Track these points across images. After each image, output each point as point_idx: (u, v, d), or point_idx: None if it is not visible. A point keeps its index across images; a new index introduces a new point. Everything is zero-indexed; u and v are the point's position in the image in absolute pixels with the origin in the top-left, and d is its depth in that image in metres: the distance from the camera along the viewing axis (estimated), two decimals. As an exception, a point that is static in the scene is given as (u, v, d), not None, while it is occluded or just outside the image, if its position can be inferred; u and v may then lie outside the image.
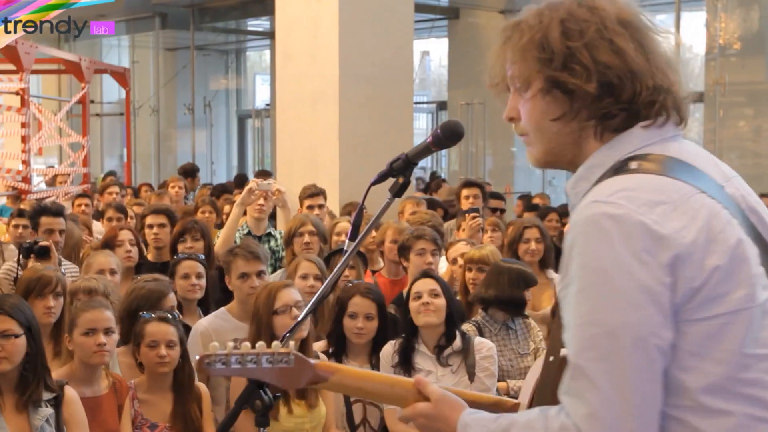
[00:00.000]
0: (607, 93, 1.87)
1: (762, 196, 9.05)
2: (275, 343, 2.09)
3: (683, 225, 1.73)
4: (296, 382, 2.06)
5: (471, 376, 4.62)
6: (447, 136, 2.42)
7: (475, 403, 2.07)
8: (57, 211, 6.60)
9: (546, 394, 1.94)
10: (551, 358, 1.98)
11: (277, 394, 2.66)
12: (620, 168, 1.85)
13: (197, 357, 2.06)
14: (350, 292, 4.81)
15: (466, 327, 5.05)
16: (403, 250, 5.78)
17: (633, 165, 1.84)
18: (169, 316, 4.34)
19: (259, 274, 5.04)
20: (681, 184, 1.79)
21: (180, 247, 6.24)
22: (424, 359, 4.68)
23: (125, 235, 6.19)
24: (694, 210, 1.76)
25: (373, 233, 6.53)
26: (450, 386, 2.22)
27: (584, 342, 1.73)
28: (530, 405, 2.01)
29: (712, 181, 1.85)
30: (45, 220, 6.49)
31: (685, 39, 14.02)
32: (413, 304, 4.70)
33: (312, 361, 2.05)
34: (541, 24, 1.93)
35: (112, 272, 5.46)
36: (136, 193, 11.83)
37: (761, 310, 1.77)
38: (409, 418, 2.06)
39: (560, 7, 1.93)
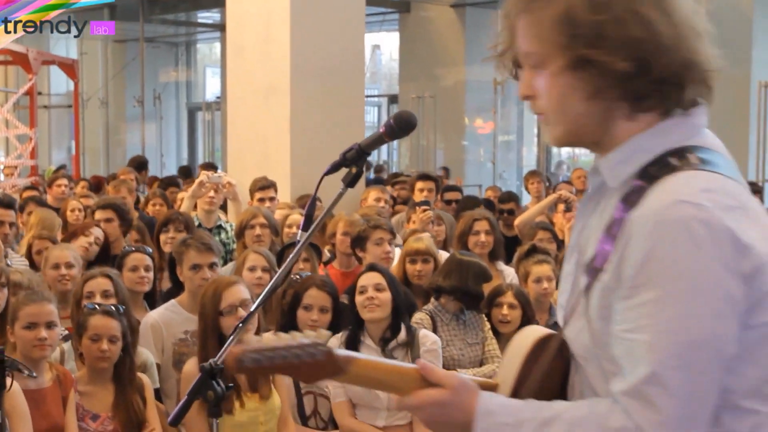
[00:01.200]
0: (639, 71, 1.74)
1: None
2: (308, 332, 1.87)
3: (757, 234, 1.68)
4: (321, 375, 1.85)
5: (416, 368, 4.64)
6: (400, 127, 2.43)
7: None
8: (8, 203, 6.56)
9: (539, 374, 1.88)
10: (552, 339, 1.92)
11: (230, 385, 2.67)
12: (680, 160, 1.74)
13: (233, 353, 1.81)
14: (306, 284, 4.81)
15: (420, 316, 5.09)
16: (359, 241, 5.78)
17: (693, 159, 1.74)
18: (113, 309, 4.31)
19: (212, 265, 5.03)
20: (738, 186, 1.74)
21: (162, 237, 6.24)
22: (369, 352, 4.69)
23: (95, 232, 6.15)
24: (756, 216, 1.72)
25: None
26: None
27: (665, 349, 1.66)
28: (518, 385, 1.91)
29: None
30: None
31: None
32: (359, 299, 4.71)
33: (337, 351, 1.83)
34: None
35: (69, 266, 5.39)
36: (94, 187, 11.65)
37: None
38: (414, 406, 1.84)
39: None
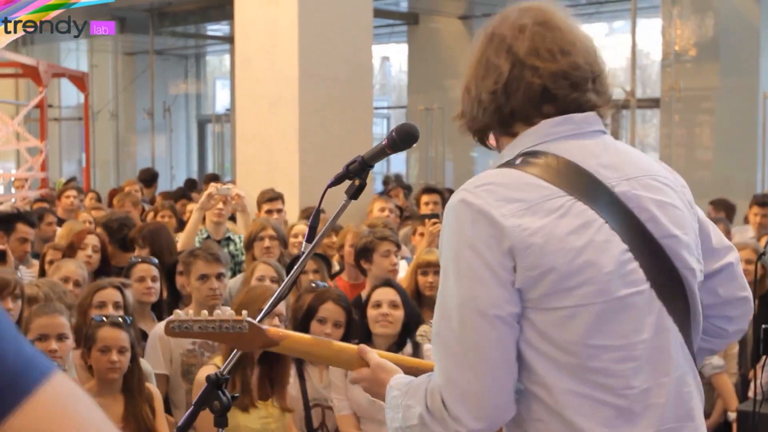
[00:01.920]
0: (469, 110, 2.16)
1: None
2: (229, 311, 2.39)
3: (527, 223, 1.91)
4: (250, 346, 2.46)
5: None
6: (402, 139, 2.45)
7: (413, 369, 2.29)
8: (32, 222, 6.83)
9: None
10: None
11: (235, 395, 2.69)
12: (508, 162, 2.05)
13: (165, 321, 2.34)
14: (322, 297, 4.79)
15: (425, 328, 5.09)
16: (365, 252, 5.75)
17: (517, 161, 2.04)
18: (121, 320, 4.33)
19: (219, 276, 5.05)
20: (546, 186, 1.97)
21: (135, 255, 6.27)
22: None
23: (90, 240, 6.19)
24: (546, 212, 1.93)
25: (334, 238, 6.56)
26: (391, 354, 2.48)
27: (441, 313, 1.98)
28: None
29: (598, 182, 2.00)
30: (21, 228, 6.59)
31: (642, 45, 14.17)
32: (372, 313, 4.71)
33: (264, 327, 2.38)
34: None
35: (76, 284, 5.40)
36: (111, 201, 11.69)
37: (619, 304, 1.93)
38: (356, 381, 2.37)
39: None
